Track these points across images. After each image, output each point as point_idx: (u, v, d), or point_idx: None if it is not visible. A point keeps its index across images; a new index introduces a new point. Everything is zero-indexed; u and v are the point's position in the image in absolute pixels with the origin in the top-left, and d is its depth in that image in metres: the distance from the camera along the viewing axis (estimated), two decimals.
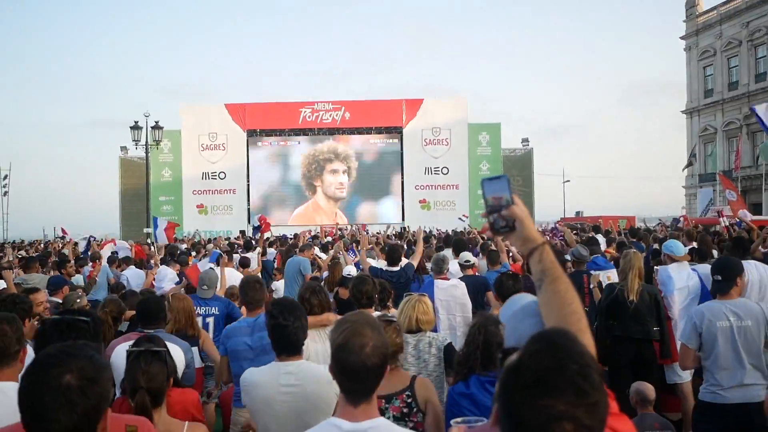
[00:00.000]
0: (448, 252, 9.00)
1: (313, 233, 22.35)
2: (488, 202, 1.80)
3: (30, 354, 3.99)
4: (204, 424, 3.39)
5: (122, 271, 10.43)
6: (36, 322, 4.23)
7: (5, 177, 43.45)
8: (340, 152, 36.57)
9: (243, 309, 7.68)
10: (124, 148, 36.57)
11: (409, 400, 3.13)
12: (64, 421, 1.55)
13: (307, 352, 4.08)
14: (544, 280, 1.79)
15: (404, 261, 8.11)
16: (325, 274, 9.18)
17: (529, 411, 1.20)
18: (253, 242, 13.84)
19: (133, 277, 9.78)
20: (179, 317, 5.25)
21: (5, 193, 43.30)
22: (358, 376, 2.12)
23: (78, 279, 9.90)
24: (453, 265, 7.97)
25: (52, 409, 1.54)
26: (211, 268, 8.33)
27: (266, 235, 14.02)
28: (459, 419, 2.02)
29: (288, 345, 3.38)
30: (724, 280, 4.57)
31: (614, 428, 1.41)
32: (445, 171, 36.17)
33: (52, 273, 10.19)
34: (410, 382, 3.13)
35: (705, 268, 6.34)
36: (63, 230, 22.97)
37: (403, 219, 34.74)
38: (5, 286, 7.14)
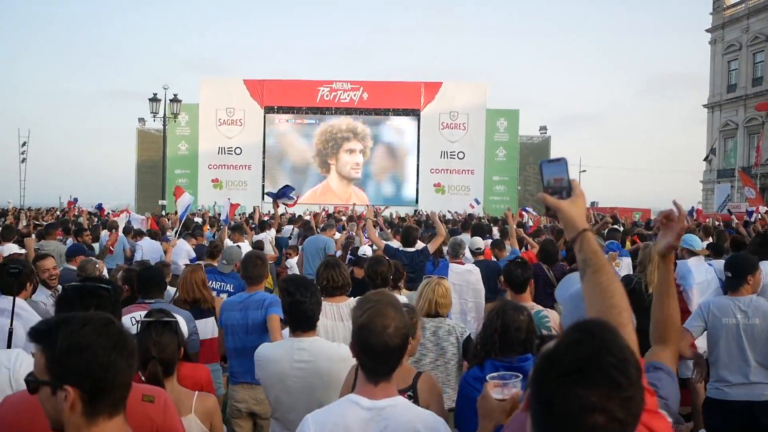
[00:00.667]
0: (465, 236, 8.96)
1: (328, 212, 22.36)
2: (549, 183, 1.78)
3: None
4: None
5: (137, 241, 10.51)
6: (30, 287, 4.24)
7: (24, 144, 43.78)
8: (359, 131, 36.46)
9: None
10: (141, 120, 36.76)
11: (411, 400, 3.10)
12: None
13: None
14: (586, 270, 1.73)
15: (420, 244, 8.09)
16: (338, 252, 9.18)
17: (561, 400, 1.19)
18: (268, 218, 13.85)
19: (148, 249, 9.85)
20: (190, 288, 5.24)
21: (23, 160, 43.66)
22: (379, 356, 2.14)
23: (96, 248, 9.96)
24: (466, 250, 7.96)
25: None
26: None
27: (280, 211, 13.98)
28: (495, 374, 2.01)
29: (304, 321, 3.41)
30: (735, 278, 4.57)
31: (650, 426, 1.39)
32: (461, 156, 36.03)
33: (68, 241, 10.29)
34: (413, 380, 3.09)
35: (720, 263, 6.31)
36: (69, 203, 22.75)
37: (417, 202, 34.71)
38: (24, 252, 7.21)
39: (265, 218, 15.81)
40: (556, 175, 1.77)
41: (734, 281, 4.57)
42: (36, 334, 1.64)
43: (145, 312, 3.48)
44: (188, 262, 8.78)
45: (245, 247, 8.84)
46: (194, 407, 2.96)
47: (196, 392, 3.05)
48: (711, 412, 4.57)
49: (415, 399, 3.07)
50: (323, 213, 19.45)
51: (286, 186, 14.13)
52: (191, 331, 4.25)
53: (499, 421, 2.07)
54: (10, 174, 42.50)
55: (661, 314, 2.10)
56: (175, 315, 3.33)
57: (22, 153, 43.53)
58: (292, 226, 13.53)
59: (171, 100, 22.73)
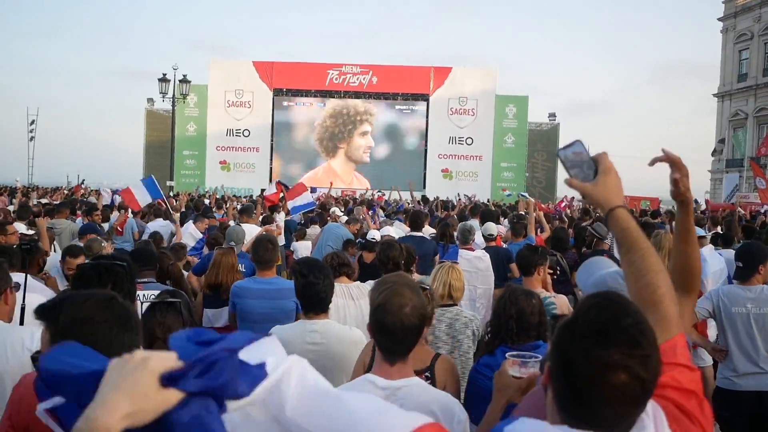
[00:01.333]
0: (474, 222, 8.95)
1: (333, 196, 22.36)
2: (569, 158, 1.72)
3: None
4: None
5: (147, 222, 10.53)
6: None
7: (32, 122, 43.86)
8: (373, 113, 36.23)
9: None
10: (150, 100, 36.73)
11: (428, 381, 3.11)
12: None
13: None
14: (621, 251, 1.69)
15: (430, 230, 8.09)
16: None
17: (584, 360, 1.24)
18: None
19: (156, 230, 9.85)
20: (220, 271, 5.23)
21: (32, 139, 43.76)
22: (396, 336, 2.18)
23: (106, 228, 10.00)
24: (477, 236, 7.95)
25: None
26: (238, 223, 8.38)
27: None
28: (513, 352, 2.02)
29: (317, 303, 3.43)
30: (746, 267, 4.57)
31: (677, 379, 1.42)
32: (469, 141, 35.91)
33: (78, 220, 10.33)
34: (431, 361, 3.09)
35: (729, 253, 6.30)
36: (76, 187, 22.45)
37: (424, 187, 34.65)
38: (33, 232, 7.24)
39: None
40: (576, 150, 1.73)
41: (745, 271, 4.57)
42: (41, 310, 1.66)
43: (150, 292, 3.46)
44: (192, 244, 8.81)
45: (252, 228, 8.84)
46: None
47: None
48: (721, 402, 4.58)
49: (432, 380, 3.08)
50: (330, 197, 19.42)
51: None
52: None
53: (513, 398, 2.09)
54: (19, 152, 42.69)
55: (679, 260, 2.06)
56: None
57: (31, 131, 43.65)
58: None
59: (180, 81, 22.70)
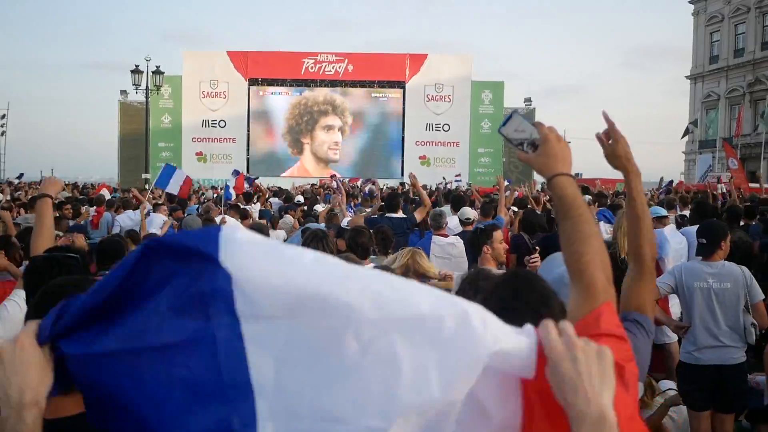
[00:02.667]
0: (446, 208, 9.02)
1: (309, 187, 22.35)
2: (512, 135, 1.71)
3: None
4: None
5: (118, 215, 10.47)
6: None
7: (3, 116, 43.21)
8: (337, 104, 35.98)
9: None
10: (124, 92, 36.25)
11: None
12: None
13: None
14: (557, 219, 1.67)
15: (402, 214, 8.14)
16: (322, 225, 9.21)
17: None
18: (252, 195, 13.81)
19: (125, 222, 9.80)
20: None
21: (3, 133, 43.13)
22: None
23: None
24: (452, 221, 8.01)
25: None
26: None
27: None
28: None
29: None
30: (709, 243, 4.67)
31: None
32: (446, 128, 36.00)
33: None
34: None
35: (692, 230, 6.45)
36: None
37: (402, 174, 34.69)
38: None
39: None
40: (517, 128, 1.72)
41: (708, 247, 4.68)
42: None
43: None
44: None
45: (230, 221, 8.84)
46: None
47: None
48: (683, 376, 4.71)
49: None
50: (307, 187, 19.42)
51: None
52: None
53: None
54: None
55: (629, 225, 2.05)
56: None
57: (2, 126, 43.05)
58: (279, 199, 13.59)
59: (153, 72, 22.54)
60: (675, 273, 4.73)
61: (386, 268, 3.71)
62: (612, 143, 1.92)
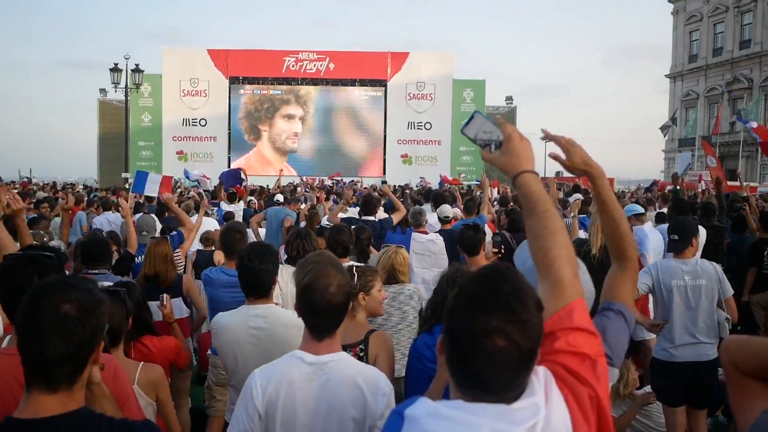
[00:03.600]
0: (427, 206, 9.03)
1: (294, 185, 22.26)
2: (478, 136, 1.71)
3: None
4: (182, 361, 3.43)
5: (97, 215, 10.34)
6: None
7: None
8: (301, 94, 35.91)
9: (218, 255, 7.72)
10: (103, 91, 35.88)
11: (362, 354, 3.16)
12: (59, 349, 1.58)
13: (280, 297, 4.12)
14: (523, 215, 1.69)
15: (383, 214, 8.13)
16: (303, 224, 9.17)
17: (465, 326, 1.30)
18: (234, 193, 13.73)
19: (102, 224, 9.67)
20: (154, 262, 5.18)
21: None
22: (323, 314, 2.24)
23: (57, 221, 9.78)
24: (432, 218, 8.01)
25: (49, 337, 1.58)
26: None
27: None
28: None
29: (255, 287, 3.42)
30: (681, 240, 4.70)
31: (572, 344, 1.46)
32: (428, 126, 36.03)
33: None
34: (365, 335, 3.15)
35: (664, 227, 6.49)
36: (23, 183, 21.91)
37: (384, 173, 34.70)
38: None
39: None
40: (480, 128, 1.72)
41: (680, 243, 4.71)
42: None
43: (104, 283, 3.44)
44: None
45: (208, 219, 8.79)
46: (137, 378, 2.93)
47: (141, 363, 3.03)
48: (658, 373, 4.74)
49: (365, 353, 3.14)
50: (290, 186, 19.36)
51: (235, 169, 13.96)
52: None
53: None
54: None
55: (606, 230, 2.02)
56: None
57: None
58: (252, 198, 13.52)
59: (133, 71, 22.32)
60: (651, 272, 4.74)
61: (368, 267, 3.68)
62: (566, 155, 1.89)
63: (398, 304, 4.38)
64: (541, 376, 1.34)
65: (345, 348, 3.17)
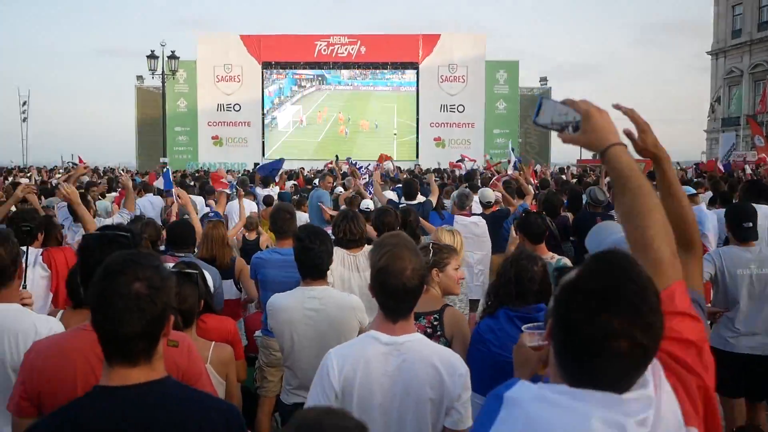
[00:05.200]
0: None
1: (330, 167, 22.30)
2: (552, 121, 1.65)
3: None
4: (239, 348, 3.49)
5: (140, 198, 10.47)
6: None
7: (24, 103, 43.61)
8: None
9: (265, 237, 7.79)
10: (140, 78, 36.35)
11: (436, 323, 3.18)
12: (134, 327, 1.62)
13: (332, 277, 4.13)
14: (615, 193, 1.61)
15: (421, 198, 8.10)
16: (343, 207, 9.21)
17: (585, 326, 1.22)
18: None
19: (145, 205, 9.82)
20: (211, 245, 5.25)
21: (24, 119, 43.56)
22: (398, 297, 2.23)
23: (103, 205, 9.95)
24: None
25: (123, 315, 1.62)
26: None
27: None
28: (529, 324, 1.99)
29: (313, 268, 3.43)
30: (755, 226, 4.50)
31: (675, 329, 1.40)
32: (461, 109, 35.74)
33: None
34: (441, 307, 3.18)
35: (721, 212, 6.27)
36: (80, 159, 22.71)
37: (417, 156, 34.57)
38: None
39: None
40: (554, 112, 1.66)
41: (753, 230, 4.50)
42: None
43: (172, 264, 3.50)
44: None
45: (248, 203, 8.88)
46: (210, 358, 3.00)
47: (213, 342, 3.10)
48: (716, 362, 4.55)
49: (440, 322, 3.16)
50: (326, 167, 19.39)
51: (276, 160, 13.91)
52: (217, 287, 4.27)
53: (535, 369, 2.08)
54: (13, 135, 42.57)
55: (670, 216, 2.01)
56: (204, 270, 3.39)
57: (23, 113, 43.52)
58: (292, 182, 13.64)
59: (169, 57, 22.48)
60: (714, 259, 4.52)
61: (446, 245, 3.70)
62: (640, 135, 1.81)
63: None
64: (649, 366, 1.28)
65: (419, 316, 3.18)
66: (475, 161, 23.17)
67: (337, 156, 20.28)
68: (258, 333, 4.75)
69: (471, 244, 6.66)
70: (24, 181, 14.17)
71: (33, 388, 2.12)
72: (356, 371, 2.20)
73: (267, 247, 7.10)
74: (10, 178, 17.10)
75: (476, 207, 7.93)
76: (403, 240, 2.33)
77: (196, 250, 5.19)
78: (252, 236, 8.01)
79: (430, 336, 3.26)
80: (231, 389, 3.13)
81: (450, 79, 35.78)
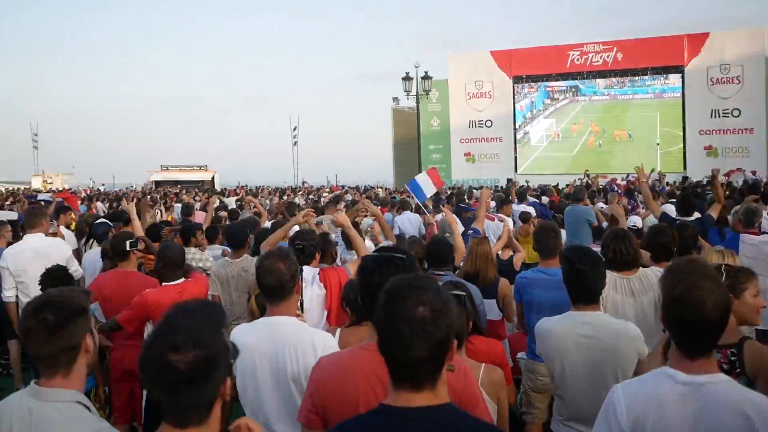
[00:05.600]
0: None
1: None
2: None
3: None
4: (508, 371, 3.41)
5: (397, 216, 10.95)
6: None
7: (294, 128, 48.85)
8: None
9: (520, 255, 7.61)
10: (395, 99, 38.54)
11: (733, 358, 2.76)
12: (421, 351, 1.66)
13: (604, 301, 3.84)
14: None
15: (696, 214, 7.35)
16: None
17: None
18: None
19: (404, 223, 10.22)
20: (475, 260, 5.27)
21: (295, 143, 48.70)
22: (696, 332, 1.99)
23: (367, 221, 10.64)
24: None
25: (411, 340, 1.66)
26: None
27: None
28: None
29: (585, 293, 3.24)
30: None
31: None
32: (735, 113, 32.08)
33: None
34: (739, 340, 2.76)
35: None
36: (335, 186, 24.12)
37: (684, 168, 31.79)
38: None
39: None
40: None
41: None
42: None
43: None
44: None
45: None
46: (480, 379, 2.96)
47: (483, 364, 3.06)
48: None
49: (739, 359, 2.76)
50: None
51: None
52: (478, 304, 4.26)
53: None
54: (286, 157, 48.04)
55: None
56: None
57: (294, 137, 48.74)
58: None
59: (422, 78, 23.50)
60: None
61: (743, 269, 3.31)
62: None
63: None
64: None
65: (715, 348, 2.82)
66: (755, 172, 20.60)
67: (586, 171, 19.40)
68: (521, 355, 4.62)
69: (762, 268, 5.84)
70: (297, 200, 15.77)
71: (320, 402, 2.26)
72: (647, 412, 2.00)
73: (522, 265, 6.94)
74: (284, 197, 19.18)
75: (766, 224, 6.95)
76: (701, 267, 2.07)
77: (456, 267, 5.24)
78: (506, 255, 7.88)
79: (727, 373, 2.85)
80: (503, 413, 3.08)
81: (722, 80, 32.31)
